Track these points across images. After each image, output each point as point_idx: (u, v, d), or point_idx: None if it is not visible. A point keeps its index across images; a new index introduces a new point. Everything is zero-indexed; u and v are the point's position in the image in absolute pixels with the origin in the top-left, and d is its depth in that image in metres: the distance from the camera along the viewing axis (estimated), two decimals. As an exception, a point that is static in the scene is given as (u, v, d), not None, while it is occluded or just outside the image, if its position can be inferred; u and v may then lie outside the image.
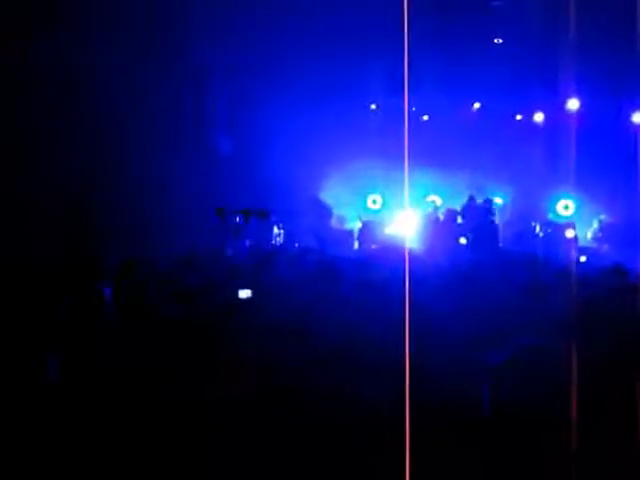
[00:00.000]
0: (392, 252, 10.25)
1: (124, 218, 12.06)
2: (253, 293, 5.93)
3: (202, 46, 14.55)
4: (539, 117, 17.25)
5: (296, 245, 14.82)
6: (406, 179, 12.47)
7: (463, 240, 15.06)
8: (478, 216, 15.45)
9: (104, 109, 12.40)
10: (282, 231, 15.87)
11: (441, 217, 15.69)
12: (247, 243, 11.14)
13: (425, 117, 17.88)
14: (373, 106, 17.89)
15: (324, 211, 16.96)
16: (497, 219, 16.41)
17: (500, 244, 15.40)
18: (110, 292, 5.32)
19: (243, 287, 5.95)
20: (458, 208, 16.02)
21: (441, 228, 15.01)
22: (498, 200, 17.30)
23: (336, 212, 17.17)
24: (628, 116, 15.82)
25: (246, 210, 8.14)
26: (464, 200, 16.30)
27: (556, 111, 15.82)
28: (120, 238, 10.87)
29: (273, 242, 15.25)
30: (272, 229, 15.44)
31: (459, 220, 15.66)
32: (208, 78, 15.98)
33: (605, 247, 15.57)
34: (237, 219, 7.81)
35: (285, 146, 15.68)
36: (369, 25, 14.59)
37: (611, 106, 15.69)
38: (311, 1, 14.61)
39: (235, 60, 15.41)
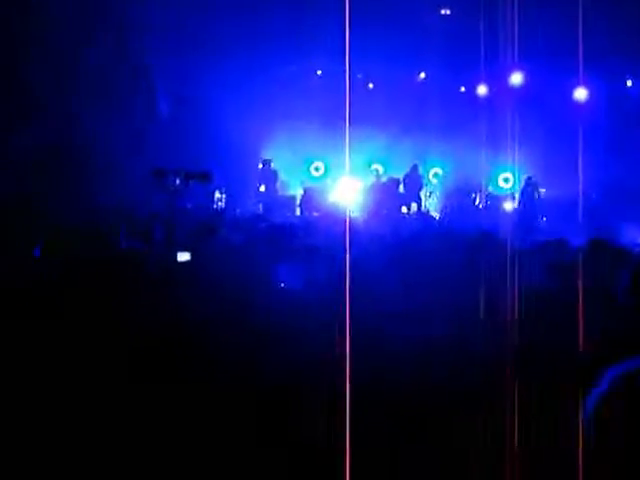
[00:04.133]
0: (334, 220, 10.25)
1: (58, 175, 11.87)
2: (192, 257, 5.88)
3: (144, 5, 14.26)
4: (483, 90, 17.39)
5: (237, 210, 14.74)
6: (348, 147, 12.45)
7: (405, 209, 15.18)
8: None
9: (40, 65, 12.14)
10: (224, 195, 15.76)
11: (384, 186, 15.76)
12: (188, 206, 11.02)
13: (371, 85, 17.87)
14: (319, 72, 17.80)
15: (268, 177, 16.89)
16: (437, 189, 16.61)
17: (440, 214, 15.58)
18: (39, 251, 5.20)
19: (181, 250, 5.89)
20: (401, 177, 16.12)
21: (383, 197, 15.08)
22: (438, 170, 17.46)
23: (280, 178, 17.12)
24: (570, 92, 16.03)
25: (186, 172, 8.01)
26: (407, 169, 16.42)
27: (500, 84, 15.94)
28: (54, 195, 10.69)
29: (215, 206, 15.14)
30: (214, 193, 15.32)
31: (401, 189, 15.77)
32: (149, 37, 15.67)
33: (543, 220, 15.84)
34: (177, 181, 7.70)
35: (229, 110, 15.51)
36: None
37: (554, 81, 15.89)
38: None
39: (178, 18, 15.12)
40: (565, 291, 4.55)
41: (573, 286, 4.76)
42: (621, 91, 17.02)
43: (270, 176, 16.80)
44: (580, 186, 13.71)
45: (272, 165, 17.01)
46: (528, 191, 15.59)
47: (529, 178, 15.81)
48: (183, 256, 5.84)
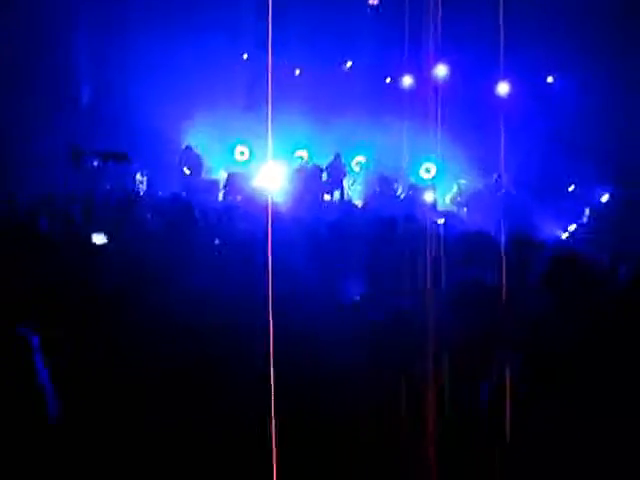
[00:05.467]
0: (256, 205, 10.17)
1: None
2: (109, 239, 5.73)
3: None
4: (407, 80, 17.52)
5: (160, 193, 14.51)
6: (272, 133, 12.39)
7: (327, 196, 15.19)
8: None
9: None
10: (145, 178, 15.50)
11: (307, 173, 15.74)
12: (107, 187, 10.80)
13: (297, 71, 17.81)
14: (245, 56, 17.64)
15: (192, 160, 16.67)
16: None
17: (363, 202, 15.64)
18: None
19: (98, 232, 5.73)
20: (324, 165, 16.13)
21: (307, 184, 15.06)
22: (361, 159, 17.54)
23: (204, 162, 16.92)
24: (493, 85, 16.28)
25: (104, 152, 7.81)
26: (331, 157, 16.44)
27: (424, 76, 16.09)
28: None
29: (136, 189, 14.87)
30: (135, 175, 15.06)
31: (324, 177, 15.78)
32: (66, 21, 15.27)
33: (464, 211, 16.06)
34: (95, 162, 7.50)
35: (151, 93, 15.24)
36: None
37: (478, 74, 16.11)
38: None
39: (98, 3, 14.80)
40: (485, 279, 4.61)
41: (492, 275, 4.82)
42: (543, 86, 17.39)
43: (194, 160, 16.58)
44: (502, 178, 13.97)
45: (195, 149, 16.79)
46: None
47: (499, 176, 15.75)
48: (99, 238, 5.69)
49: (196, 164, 16.28)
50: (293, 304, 3.77)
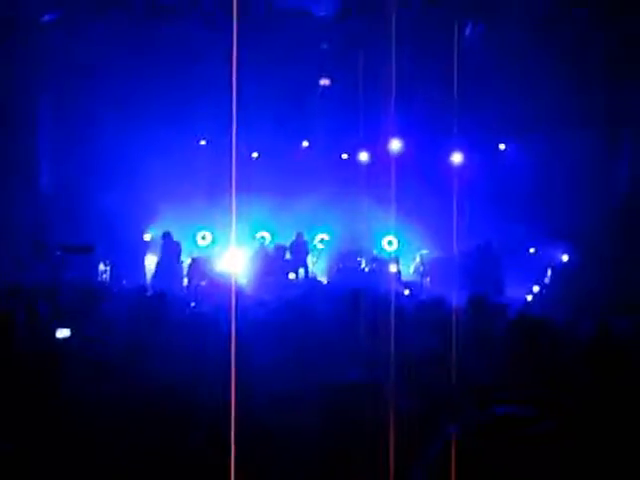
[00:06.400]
0: (220, 289, 10.21)
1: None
2: (73, 333, 5.70)
3: (27, 80, 14.10)
4: (364, 156, 17.83)
5: (124, 282, 14.46)
6: (234, 216, 12.49)
7: (292, 275, 15.25)
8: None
9: None
10: (109, 267, 15.45)
11: (270, 253, 15.83)
12: (69, 279, 10.76)
13: (255, 154, 18.05)
14: (203, 142, 17.87)
15: (171, 246, 16.61)
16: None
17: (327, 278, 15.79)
18: None
19: (62, 326, 5.71)
20: (287, 244, 16.24)
21: (270, 264, 15.13)
22: (325, 236, 17.69)
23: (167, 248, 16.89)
24: (447, 156, 16.62)
25: (67, 245, 7.83)
26: (293, 236, 16.56)
27: (380, 151, 16.39)
28: None
29: (99, 278, 14.81)
30: (98, 265, 15.01)
31: (287, 256, 15.87)
32: (34, 113, 15.46)
33: (427, 280, 16.21)
34: (58, 253, 7.51)
35: (114, 181, 15.37)
36: (198, 61, 14.64)
37: (431, 146, 16.47)
38: (139, 34, 14.48)
39: (61, 91, 14.99)
40: (444, 346, 4.67)
41: (452, 340, 4.89)
42: (495, 154, 17.79)
43: (174, 246, 16.41)
44: (455, 247, 14.16)
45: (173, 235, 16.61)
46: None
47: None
48: (62, 332, 5.65)
49: (177, 251, 16.18)
50: (257, 382, 3.80)
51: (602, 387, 4.18)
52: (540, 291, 15.62)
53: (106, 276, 15.24)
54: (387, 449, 3.18)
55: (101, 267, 15.21)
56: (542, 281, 15.83)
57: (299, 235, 16.54)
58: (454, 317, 5.13)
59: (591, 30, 13.52)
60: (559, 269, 15.92)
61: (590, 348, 5.39)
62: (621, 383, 4.14)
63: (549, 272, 16.19)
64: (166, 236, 16.02)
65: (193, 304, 7.72)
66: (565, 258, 16.04)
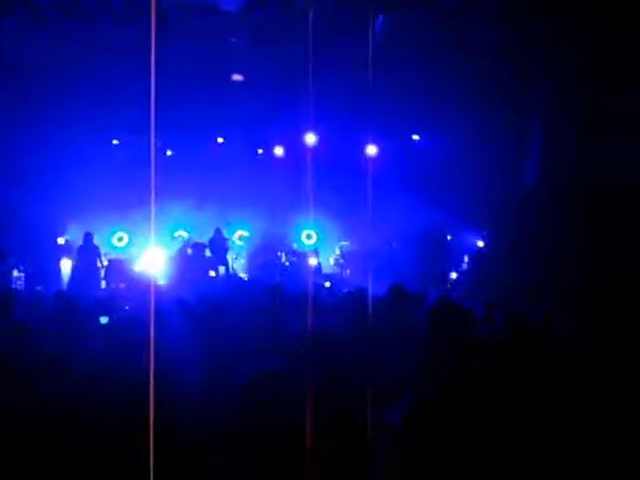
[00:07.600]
0: (139, 290, 10.07)
1: None
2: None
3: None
4: (279, 151, 17.84)
5: (39, 288, 14.13)
6: (152, 215, 12.33)
7: (212, 272, 15.14)
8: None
9: None
10: (23, 274, 15.08)
11: (189, 251, 15.67)
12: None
13: (169, 152, 17.87)
14: (115, 141, 17.60)
15: (71, 250, 16.31)
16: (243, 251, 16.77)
17: (248, 274, 15.74)
18: None
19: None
20: (206, 242, 16.11)
21: (190, 262, 14.99)
22: (243, 233, 17.63)
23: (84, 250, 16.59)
24: (362, 148, 16.75)
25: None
26: (211, 233, 16.44)
27: (296, 145, 16.41)
28: None
29: (13, 285, 14.42)
30: (11, 271, 14.62)
31: (207, 253, 15.74)
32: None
33: (347, 272, 16.34)
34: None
35: (27, 185, 14.97)
36: (108, 59, 14.36)
37: (346, 139, 16.57)
38: (50, 36, 14.12)
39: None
40: (366, 335, 4.73)
41: (374, 330, 4.94)
42: (409, 145, 18.02)
43: (75, 249, 16.14)
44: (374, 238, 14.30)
45: (75, 238, 16.40)
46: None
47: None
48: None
49: (95, 253, 15.86)
50: (175, 380, 3.76)
51: (511, 378, 4.30)
52: (457, 278, 15.93)
53: (20, 282, 14.87)
54: (304, 438, 3.21)
55: (15, 274, 14.83)
56: (460, 268, 16.15)
57: (217, 231, 16.44)
58: (370, 308, 5.19)
59: (500, 20, 13.78)
60: (475, 255, 16.27)
61: (502, 336, 5.55)
62: (530, 374, 4.27)
63: (466, 258, 16.52)
64: (86, 237, 15.73)
65: (127, 307, 7.59)
66: (480, 244, 16.38)
